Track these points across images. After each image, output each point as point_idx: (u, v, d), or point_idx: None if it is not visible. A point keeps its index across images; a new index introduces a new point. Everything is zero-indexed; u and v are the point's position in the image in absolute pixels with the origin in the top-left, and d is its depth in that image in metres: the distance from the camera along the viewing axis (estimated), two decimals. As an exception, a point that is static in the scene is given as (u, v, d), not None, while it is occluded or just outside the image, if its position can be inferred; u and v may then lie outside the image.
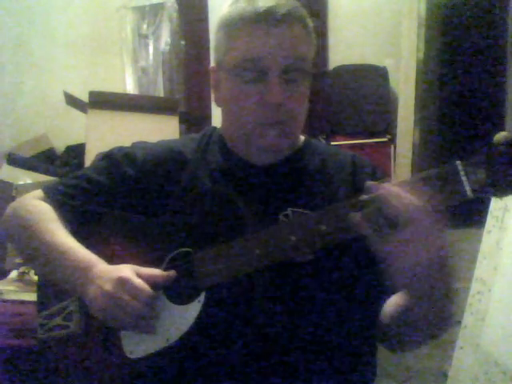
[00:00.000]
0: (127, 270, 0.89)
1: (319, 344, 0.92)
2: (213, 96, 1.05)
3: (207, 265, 0.88)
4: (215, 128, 1.11)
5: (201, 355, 0.89)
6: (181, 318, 0.89)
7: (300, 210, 0.95)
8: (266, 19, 0.91)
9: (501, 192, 0.73)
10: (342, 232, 0.79)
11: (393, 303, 0.92)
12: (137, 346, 0.91)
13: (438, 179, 0.74)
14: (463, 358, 1.91)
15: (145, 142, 1.10)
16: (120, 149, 1.07)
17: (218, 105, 1.04)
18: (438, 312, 0.85)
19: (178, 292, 0.91)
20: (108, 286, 0.87)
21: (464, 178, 0.73)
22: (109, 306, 0.87)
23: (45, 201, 1.03)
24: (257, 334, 0.86)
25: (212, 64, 1.03)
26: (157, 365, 0.91)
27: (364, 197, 0.77)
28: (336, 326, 0.93)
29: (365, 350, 0.98)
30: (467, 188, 0.73)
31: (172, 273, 0.90)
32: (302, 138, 1.08)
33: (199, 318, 0.87)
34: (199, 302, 0.88)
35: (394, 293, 0.92)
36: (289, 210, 0.95)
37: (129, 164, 1.03)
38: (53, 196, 1.03)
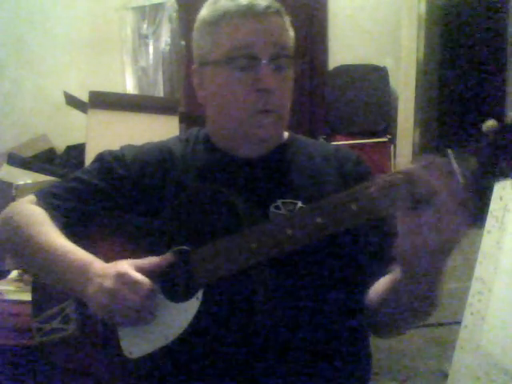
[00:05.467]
0: (124, 265, 0.89)
1: (317, 337, 0.92)
2: (198, 96, 1.07)
3: (204, 262, 0.88)
4: (199, 128, 1.13)
5: (200, 353, 0.89)
6: (179, 315, 0.89)
7: (290, 201, 0.96)
8: (249, 12, 0.96)
9: (490, 179, 0.75)
10: (338, 224, 0.80)
11: (381, 285, 0.93)
12: (136, 346, 0.91)
13: (428, 166, 0.75)
14: (463, 358, 1.91)
15: (133, 144, 1.11)
16: (110, 152, 1.09)
17: (204, 103, 1.07)
18: (426, 294, 0.86)
19: (175, 290, 0.91)
20: (107, 282, 0.87)
21: (456, 167, 0.74)
22: (109, 301, 0.86)
23: (37, 204, 1.03)
24: (256, 329, 0.86)
25: (194, 66, 1.05)
26: (156, 363, 0.91)
27: (388, 176, 0.78)
28: (332, 314, 0.94)
29: (359, 337, 0.98)
30: (460, 177, 0.74)
31: (168, 256, 0.90)
32: (287, 133, 1.10)
33: (198, 315, 0.87)
34: (197, 299, 0.88)
35: (383, 275, 0.93)
36: (279, 202, 0.96)
37: (119, 165, 1.05)
38: (45, 199, 1.03)
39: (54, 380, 1.02)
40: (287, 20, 1.01)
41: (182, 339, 0.88)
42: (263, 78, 0.95)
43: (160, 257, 0.91)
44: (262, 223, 0.87)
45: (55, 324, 0.99)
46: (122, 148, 1.10)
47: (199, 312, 0.88)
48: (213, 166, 1.03)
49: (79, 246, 0.96)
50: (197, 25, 1.04)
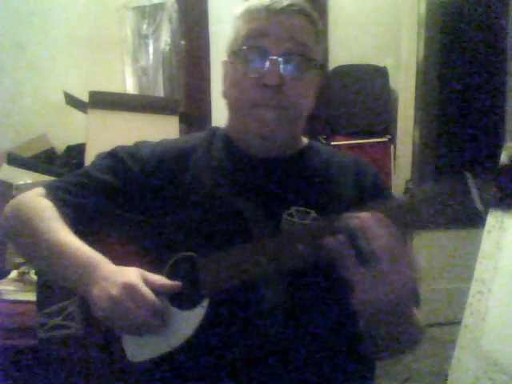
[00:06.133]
0: (134, 276, 0.86)
1: (323, 346, 0.91)
2: (222, 90, 1.05)
3: (211, 271, 0.86)
4: (219, 127, 1.11)
5: (203, 363, 0.87)
6: (183, 323, 0.87)
7: (304, 209, 0.94)
8: (269, 8, 0.95)
9: (508, 207, 0.72)
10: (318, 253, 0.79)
11: None
12: (138, 350, 0.90)
13: (447, 192, 0.73)
14: (463, 358, 1.91)
15: (147, 141, 1.08)
16: (123, 147, 1.06)
17: (224, 96, 1.04)
18: (396, 336, 0.87)
19: (180, 296, 0.89)
20: (113, 290, 0.84)
21: (475, 192, 0.71)
22: (112, 310, 0.84)
23: (46, 198, 1.01)
24: (260, 342, 0.85)
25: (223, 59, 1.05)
26: (158, 369, 0.89)
27: (341, 223, 0.77)
28: (339, 329, 0.93)
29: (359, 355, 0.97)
30: (478, 203, 0.71)
31: (178, 284, 0.88)
32: (306, 140, 1.08)
33: (202, 324, 0.86)
34: (203, 308, 0.86)
35: None
36: (292, 209, 0.94)
37: (133, 161, 1.02)
38: (54, 193, 1.01)
39: (55, 380, 1.02)
40: (313, 24, 0.98)
41: (186, 348, 0.86)
42: (268, 72, 0.92)
43: (170, 281, 0.88)
44: (273, 236, 0.84)
45: (58, 320, 0.98)
46: (137, 144, 1.07)
47: (204, 321, 0.86)
48: (229, 166, 1.01)
49: (86, 243, 0.94)
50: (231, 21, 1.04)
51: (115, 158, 1.04)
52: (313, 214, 0.94)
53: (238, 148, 1.02)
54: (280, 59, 0.93)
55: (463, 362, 1.91)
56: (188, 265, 0.89)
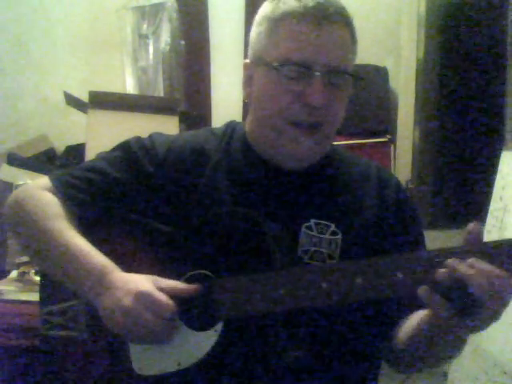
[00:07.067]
0: (146, 283, 0.82)
1: (334, 377, 0.90)
2: (243, 92, 0.99)
3: (227, 295, 0.82)
4: (237, 123, 1.04)
5: None
6: (195, 344, 0.84)
7: (323, 222, 0.91)
8: (314, 16, 0.86)
9: None
10: (384, 291, 0.74)
11: (413, 325, 0.87)
12: (146, 364, 0.87)
13: None
14: (463, 358, 1.91)
15: (164, 135, 1.02)
16: (138, 140, 1.00)
17: (248, 101, 0.98)
18: (453, 349, 0.86)
19: (193, 316, 0.86)
20: (127, 301, 0.81)
21: None
22: (127, 321, 0.81)
23: (52, 192, 0.96)
24: (273, 370, 0.83)
25: (245, 60, 0.97)
26: None
27: (441, 271, 0.72)
28: (351, 356, 0.91)
29: (371, 374, 0.97)
30: None
31: (195, 287, 0.85)
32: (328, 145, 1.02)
33: (214, 348, 0.83)
34: (216, 331, 0.84)
35: (408, 314, 0.90)
36: (312, 222, 0.91)
37: (147, 159, 0.96)
38: (62, 189, 0.95)
39: (54, 380, 1.02)
40: (354, 34, 0.92)
41: (196, 369, 0.84)
42: (313, 92, 0.86)
43: (186, 285, 0.85)
44: (296, 268, 0.81)
45: (61, 320, 0.96)
46: (152, 138, 1.00)
47: (216, 345, 0.83)
48: (248, 174, 0.96)
49: (92, 244, 0.90)
50: (257, 19, 0.94)
51: (128, 153, 0.97)
52: (332, 228, 0.91)
53: (258, 156, 0.97)
54: (325, 78, 0.87)
55: (463, 362, 1.91)
56: (204, 284, 0.85)
